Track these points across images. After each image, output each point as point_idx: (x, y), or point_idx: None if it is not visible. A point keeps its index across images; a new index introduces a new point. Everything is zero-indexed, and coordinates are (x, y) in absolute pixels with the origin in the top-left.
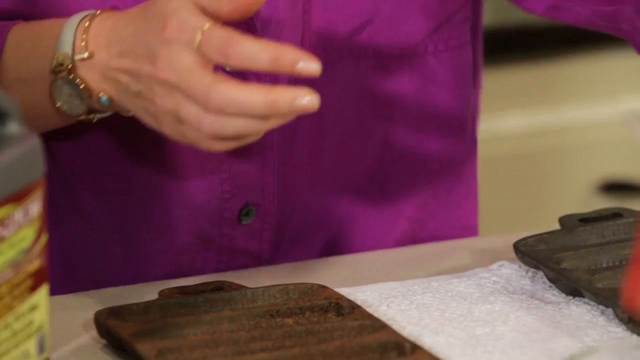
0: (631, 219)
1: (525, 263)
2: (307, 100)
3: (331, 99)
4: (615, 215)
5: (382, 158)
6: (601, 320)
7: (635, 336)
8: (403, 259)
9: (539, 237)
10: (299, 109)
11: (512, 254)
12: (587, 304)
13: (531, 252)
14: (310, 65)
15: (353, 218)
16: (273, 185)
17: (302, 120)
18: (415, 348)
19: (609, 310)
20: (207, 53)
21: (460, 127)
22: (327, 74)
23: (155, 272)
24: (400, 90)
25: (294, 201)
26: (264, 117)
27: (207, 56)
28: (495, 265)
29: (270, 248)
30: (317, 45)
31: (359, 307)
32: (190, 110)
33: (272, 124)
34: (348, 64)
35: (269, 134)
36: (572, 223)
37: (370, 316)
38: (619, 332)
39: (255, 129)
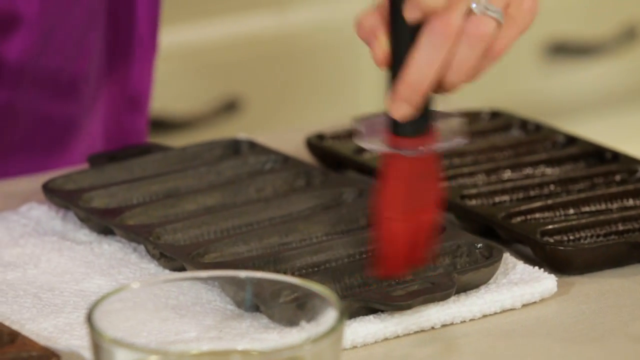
0: (160, 155)
1: (55, 203)
2: None
3: None
4: (142, 151)
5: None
6: (134, 257)
7: (167, 271)
8: None
9: (68, 176)
10: None
11: (42, 196)
12: (120, 241)
13: (60, 192)
14: None
15: None
16: None
17: None
18: None
19: (141, 247)
20: None
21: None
22: None
23: None
24: None
25: None
26: None
27: None
28: (24, 207)
29: None
30: None
31: None
32: None
33: None
34: None
35: None
36: (100, 161)
37: None
38: (151, 268)
39: None
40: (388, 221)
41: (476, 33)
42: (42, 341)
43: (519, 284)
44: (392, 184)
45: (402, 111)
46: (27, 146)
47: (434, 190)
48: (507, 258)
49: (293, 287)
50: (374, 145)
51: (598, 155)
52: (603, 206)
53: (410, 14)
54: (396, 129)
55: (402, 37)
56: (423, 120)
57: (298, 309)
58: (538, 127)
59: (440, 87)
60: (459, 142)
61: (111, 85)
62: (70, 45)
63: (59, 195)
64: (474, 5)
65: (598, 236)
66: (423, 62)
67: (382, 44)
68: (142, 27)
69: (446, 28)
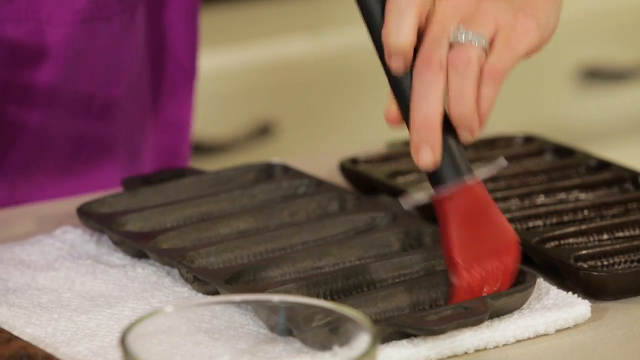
0: (194, 178)
1: (90, 227)
2: None
3: None
4: (177, 175)
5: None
6: (167, 281)
7: (200, 295)
8: None
9: (102, 200)
10: None
11: (77, 219)
12: (153, 265)
13: (95, 216)
14: None
15: None
16: None
17: None
18: None
19: (175, 271)
20: None
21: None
22: None
23: None
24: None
25: None
26: None
27: None
28: (59, 231)
29: None
30: None
31: None
32: None
33: None
34: None
35: None
36: (135, 184)
37: None
38: (185, 291)
39: None
40: (456, 268)
41: (459, 59)
42: None
43: (553, 309)
44: (449, 230)
45: (425, 156)
46: (61, 169)
47: (497, 232)
48: (541, 283)
49: (326, 311)
50: (418, 197)
51: (632, 180)
52: (637, 231)
53: (393, 64)
54: (433, 179)
55: (406, 92)
56: (455, 164)
57: (331, 333)
58: (571, 152)
59: (458, 124)
60: (499, 165)
61: (155, 112)
62: (99, 71)
63: (94, 219)
64: (452, 37)
65: (632, 262)
66: (422, 102)
67: (389, 105)
68: (181, 53)
69: (428, 63)
